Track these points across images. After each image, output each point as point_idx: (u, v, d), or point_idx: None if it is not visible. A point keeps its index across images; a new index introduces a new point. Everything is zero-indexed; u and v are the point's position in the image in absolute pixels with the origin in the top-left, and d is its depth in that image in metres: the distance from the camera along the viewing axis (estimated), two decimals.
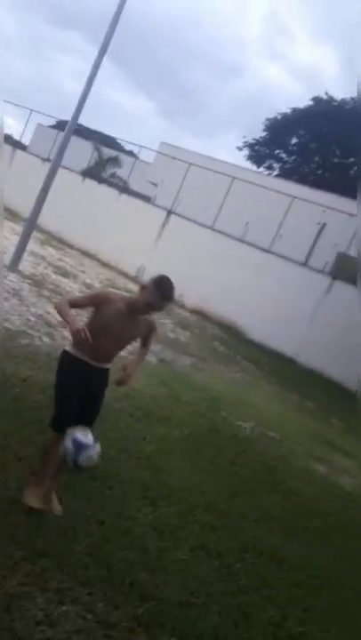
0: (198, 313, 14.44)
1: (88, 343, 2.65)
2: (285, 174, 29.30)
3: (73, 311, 2.83)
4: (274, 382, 9.34)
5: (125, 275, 15.72)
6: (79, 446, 2.65)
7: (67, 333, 5.86)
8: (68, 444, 2.65)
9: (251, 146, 31.92)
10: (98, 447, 2.70)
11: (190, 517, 3.38)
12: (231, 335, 13.09)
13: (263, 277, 14.41)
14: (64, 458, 2.69)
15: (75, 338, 2.71)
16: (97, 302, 2.87)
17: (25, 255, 9.39)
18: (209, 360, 9.22)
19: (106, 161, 21.66)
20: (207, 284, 14.84)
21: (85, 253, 16.97)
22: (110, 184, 19.99)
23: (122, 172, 21.17)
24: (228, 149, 63.76)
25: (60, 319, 2.86)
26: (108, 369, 2.99)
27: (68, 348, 2.93)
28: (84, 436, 2.69)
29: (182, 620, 2.41)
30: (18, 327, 5.80)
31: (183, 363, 8.08)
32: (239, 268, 14.83)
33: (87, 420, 2.89)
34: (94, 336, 2.71)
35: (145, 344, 3.08)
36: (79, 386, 2.85)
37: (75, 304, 2.93)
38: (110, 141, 25.81)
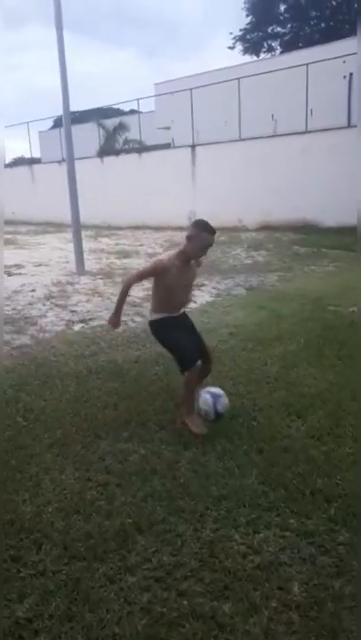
0: (265, 228, 13.98)
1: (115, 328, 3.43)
2: (289, 46, 26.72)
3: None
4: None
5: (180, 228, 15.51)
6: (215, 396, 3.14)
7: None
8: (206, 396, 3.14)
9: (241, 38, 29.38)
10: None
11: (340, 413, 3.36)
12: (307, 232, 12.54)
13: (311, 160, 13.50)
14: (202, 414, 3.17)
15: (111, 325, 3.42)
16: (157, 273, 3.21)
17: (85, 256, 9.64)
18: (295, 267, 8.93)
19: (113, 132, 21.31)
20: (260, 196, 14.24)
21: (136, 227, 17.05)
22: (127, 151, 19.69)
23: (134, 134, 20.68)
24: (223, 55, 59.12)
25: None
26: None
27: (153, 317, 3.40)
28: (216, 388, 3.24)
29: None
30: None
31: (271, 281, 7.91)
32: (283, 163, 14.01)
33: (203, 347, 3.42)
34: (168, 298, 3.28)
35: None
36: (181, 330, 3.35)
37: (138, 279, 3.31)
38: (109, 112, 25.23)
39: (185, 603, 1.96)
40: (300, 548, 2.23)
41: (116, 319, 3.34)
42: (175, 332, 3.33)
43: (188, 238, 3.15)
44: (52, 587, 2.04)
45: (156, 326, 3.39)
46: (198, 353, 3.34)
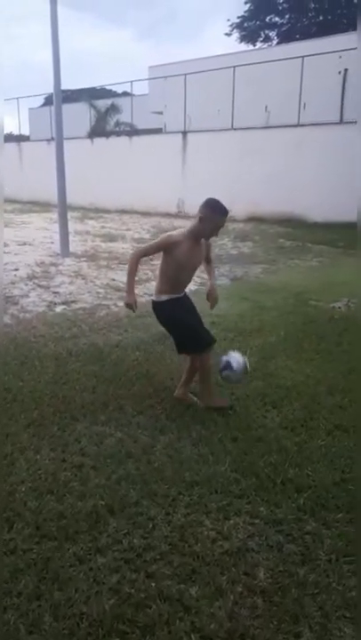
0: (252, 219, 13.99)
1: (133, 310, 3.25)
2: (286, 37, 26.57)
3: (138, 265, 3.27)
4: (352, 254, 8.93)
5: (168, 214, 15.51)
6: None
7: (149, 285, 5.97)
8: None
9: (239, 26, 29.11)
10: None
11: (315, 406, 3.42)
12: (293, 226, 12.59)
13: (303, 154, 13.50)
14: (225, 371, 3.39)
15: (126, 306, 3.28)
16: (164, 248, 3.18)
17: (70, 237, 9.54)
18: (280, 260, 8.98)
19: (105, 113, 20.98)
20: (249, 187, 14.22)
21: (123, 211, 16.89)
22: (118, 133, 19.44)
23: (125, 116, 20.40)
24: (219, 41, 58.61)
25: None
26: None
27: (160, 299, 3.32)
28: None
29: (344, 497, 2.49)
30: (92, 303, 6.00)
31: (255, 272, 7.95)
32: (274, 155, 13.97)
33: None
34: (177, 277, 3.25)
35: (208, 260, 3.49)
36: (188, 311, 3.37)
37: (145, 253, 3.28)
38: (101, 92, 24.82)
39: (153, 585, 1.99)
40: (268, 535, 2.28)
41: (131, 298, 3.21)
42: (186, 315, 3.33)
43: (201, 219, 3.10)
44: (22, 565, 2.05)
45: (163, 308, 3.32)
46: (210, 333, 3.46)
